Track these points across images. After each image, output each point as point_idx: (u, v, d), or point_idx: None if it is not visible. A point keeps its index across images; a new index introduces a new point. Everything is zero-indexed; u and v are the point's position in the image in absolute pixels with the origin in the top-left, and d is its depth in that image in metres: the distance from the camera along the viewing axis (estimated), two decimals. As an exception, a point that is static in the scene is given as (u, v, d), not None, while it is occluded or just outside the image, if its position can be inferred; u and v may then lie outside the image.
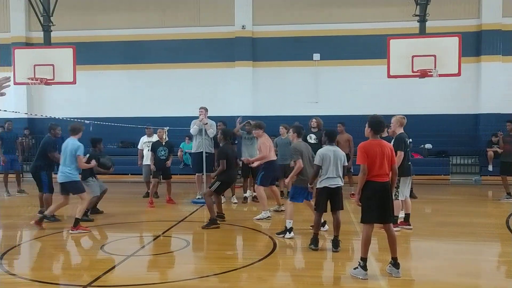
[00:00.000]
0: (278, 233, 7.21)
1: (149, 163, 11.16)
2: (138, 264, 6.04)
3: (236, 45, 17.05)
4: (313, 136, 11.00)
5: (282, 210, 9.33)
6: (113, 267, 5.73)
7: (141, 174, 11.63)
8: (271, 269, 5.76)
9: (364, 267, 5.16)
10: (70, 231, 7.65)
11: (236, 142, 11.08)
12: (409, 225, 7.70)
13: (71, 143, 8.03)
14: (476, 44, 16.15)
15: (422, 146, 15.93)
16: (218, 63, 17.20)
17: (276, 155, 10.91)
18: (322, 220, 7.09)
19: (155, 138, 11.51)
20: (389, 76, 11.64)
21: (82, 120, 11.16)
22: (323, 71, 16.84)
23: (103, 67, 17.58)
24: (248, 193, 10.88)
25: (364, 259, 5.19)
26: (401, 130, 7.71)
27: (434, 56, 11.13)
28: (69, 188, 7.92)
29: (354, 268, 5.26)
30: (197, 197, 10.88)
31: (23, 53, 12.70)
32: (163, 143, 10.60)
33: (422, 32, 12.52)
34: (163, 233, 7.68)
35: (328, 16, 16.79)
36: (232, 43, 17.12)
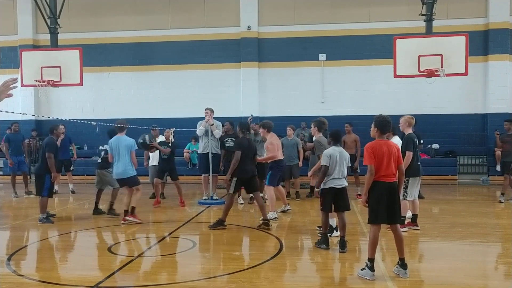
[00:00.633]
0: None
1: (156, 164, 11.20)
2: (145, 265, 6.05)
3: (242, 46, 17.06)
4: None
5: (288, 210, 9.32)
6: (120, 268, 5.74)
7: (148, 175, 11.65)
8: (279, 269, 5.74)
9: (372, 268, 5.13)
10: (126, 218, 8.30)
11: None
12: (417, 225, 7.65)
13: (124, 139, 8.49)
14: (483, 43, 16.04)
15: (430, 146, 15.84)
16: (224, 64, 17.22)
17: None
18: (334, 225, 7.10)
19: (160, 139, 11.54)
20: (395, 76, 11.60)
21: (89, 122, 11.24)
22: (329, 72, 16.81)
23: (109, 68, 17.67)
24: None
25: (371, 260, 5.16)
26: (410, 130, 7.68)
27: (441, 55, 11.08)
28: (128, 182, 8.52)
29: (362, 269, 5.23)
30: (203, 198, 10.89)
31: (30, 56, 12.80)
32: (169, 144, 10.60)
33: (429, 32, 12.47)
34: (170, 234, 7.68)
35: (333, 16, 16.75)
36: (238, 44, 17.14)
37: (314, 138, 9.62)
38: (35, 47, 17.28)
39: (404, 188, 7.38)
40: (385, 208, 5.13)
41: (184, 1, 17.49)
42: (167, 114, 16.82)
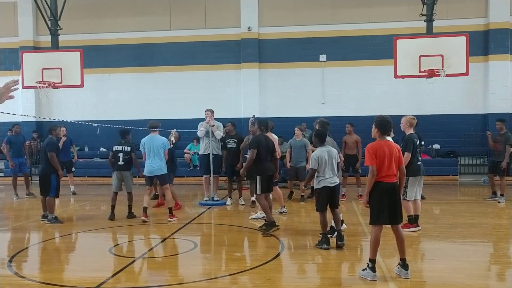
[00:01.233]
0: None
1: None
2: (146, 266, 6.06)
3: (243, 47, 17.07)
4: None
5: (284, 212, 9.27)
6: (122, 269, 5.74)
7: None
8: (280, 270, 5.75)
9: (373, 269, 5.13)
10: (168, 219, 8.68)
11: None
12: (418, 226, 7.66)
13: (157, 138, 8.96)
14: (484, 43, 16.03)
15: (430, 146, 15.83)
16: (224, 65, 17.22)
17: (290, 157, 10.94)
18: (330, 227, 7.11)
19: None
20: (396, 76, 11.59)
21: (90, 123, 11.25)
22: (330, 72, 16.80)
23: (110, 70, 17.67)
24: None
25: (372, 261, 5.16)
26: (411, 131, 7.70)
27: (442, 56, 11.07)
28: (160, 180, 9.05)
29: (363, 270, 5.23)
30: (204, 199, 10.89)
31: (31, 57, 12.81)
32: (171, 145, 10.60)
33: (429, 32, 12.45)
34: (171, 235, 7.69)
35: (334, 16, 16.75)
36: (238, 45, 17.14)
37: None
38: (36, 48, 17.29)
39: (404, 187, 7.41)
40: (386, 208, 5.13)
41: (184, 2, 17.50)
42: (168, 115, 16.79)
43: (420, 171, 7.65)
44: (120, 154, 9.06)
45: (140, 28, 17.49)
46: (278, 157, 8.56)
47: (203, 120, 10.71)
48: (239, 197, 10.77)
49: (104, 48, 17.64)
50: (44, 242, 7.54)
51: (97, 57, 17.19)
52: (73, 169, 13.07)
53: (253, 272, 5.58)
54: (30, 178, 13.08)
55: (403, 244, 5.20)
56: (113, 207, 9.03)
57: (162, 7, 17.53)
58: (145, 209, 8.83)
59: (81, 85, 12.52)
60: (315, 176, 6.63)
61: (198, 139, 12.76)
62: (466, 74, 11.31)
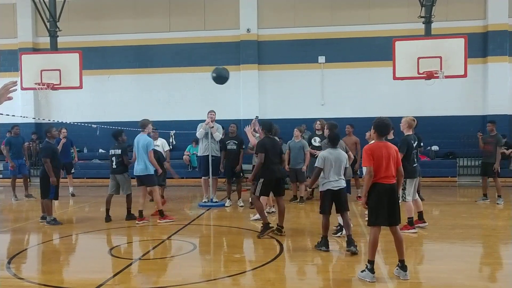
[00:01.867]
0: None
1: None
2: (145, 268, 6.05)
3: (242, 48, 17.09)
4: (317, 138, 10.98)
5: (273, 212, 9.25)
6: (121, 271, 5.74)
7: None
8: (279, 272, 5.74)
9: (372, 270, 5.14)
10: (136, 222, 8.63)
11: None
12: (424, 221, 7.85)
13: (142, 138, 8.82)
14: (482, 45, 16.07)
15: (429, 148, 15.85)
16: (224, 66, 17.20)
17: (289, 158, 10.93)
18: (338, 226, 7.20)
19: (159, 141, 11.55)
20: (395, 78, 11.62)
21: (89, 124, 11.25)
22: (329, 74, 16.83)
23: (109, 71, 17.68)
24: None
25: (371, 262, 5.16)
26: (410, 132, 7.71)
27: (440, 57, 11.10)
28: (144, 180, 8.83)
29: (362, 271, 5.23)
30: (203, 201, 10.89)
31: (30, 59, 12.81)
32: (170, 146, 10.64)
33: (428, 34, 12.49)
34: (170, 236, 7.68)
35: (333, 18, 16.78)
36: (237, 46, 17.16)
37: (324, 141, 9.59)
38: (35, 50, 17.30)
39: (402, 189, 7.47)
40: (385, 209, 5.14)
41: (183, 4, 17.52)
42: (167, 117, 16.83)
43: (416, 173, 7.69)
44: (114, 158, 9.06)
45: (140, 30, 17.51)
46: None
47: (202, 121, 10.72)
48: (238, 199, 10.77)
49: (103, 50, 17.65)
50: (44, 243, 7.53)
51: (96, 59, 17.21)
52: (73, 171, 13.06)
53: (252, 274, 5.58)
54: (29, 179, 13.07)
55: (401, 245, 5.20)
56: (107, 210, 9.03)
57: (161, 9, 17.55)
58: (140, 212, 8.79)
59: (80, 87, 12.53)
60: (320, 178, 6.59)
61: (197, 141, 12.77)
62: (465, 75, 11.34)
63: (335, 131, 7.02)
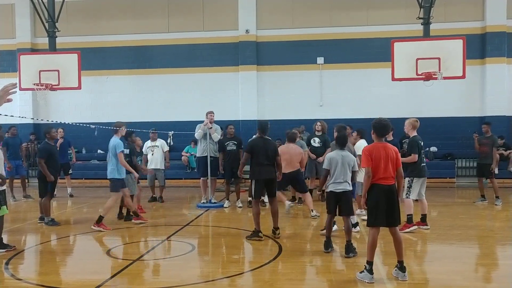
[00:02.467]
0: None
1: (154, 167, 11.27)
2: (144, 269, 6.04)
3: (240, 49, 17.08)
4: (317, 139, 10.99)
5: (317, 216, 9.09)
6: (119, 272, 5.73)
7: (146, 179, 11.63)
8: (278, 273, 5.74)
9: (370, 271, 5.14)
10: (92, 226, 8.22)
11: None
12: (427, 225, 7.87)
13: (112, 141, 8.53)
14: (480, 46, 16.09)
15: (428, 149, 15.86)
16: (222, 67, 17.23)
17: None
18: (355, 220, 7.23)
19: (159, 142, 11.56)
20: (393, 79, 11.63)
21: (88, 125, 11.24)
22: (327, 75, 16.82)
23: (108, 72, 17.65)
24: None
25: (370, 263, 5.16)
26: (415, 133, 7.86)
27: (439, 58, 11.11)
28: (110, 183, 8.47)
29: (360, 272, 5.23)
30: (202, 202, 10.89)
31: (28, 59, 12.79)
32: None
33: (426, 35, 12.50)
34: (169, 237, 7.68)
35: (331, 19, 16.79)
36: (236, 47, 17.14)
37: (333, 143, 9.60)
38: (33, 50, 17.25)
39: (408, 187, 7.62)
40: (384, 211, 5.14)
41: (182, 5, 17.51)
42: (166, 118, 16.81)
43: (424, 172, 7.80)
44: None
45: (138, 31, 17.49)
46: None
47: (200, 122, 10.72)
48: (237, 200, 10.77)
49: (102, 50, 17.62)
50: (42, 244, 7.52)
51: (95, 59, 17.17)
52: (71, 171, 13.02)
53: (251, 275, 5.58)
54: (27, 180, 13.04)
55: (400, 246, 5.20)
56: (120, 207, 9.24)
57: (160, 10, 17.53)
58: (135, 213, 8.81)
59: (79, 87, 12.51)
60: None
61: (196, 141, 12.77)
62: (463, 77, 11.36)
63: (343, 132, 7.00)
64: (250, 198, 10.41)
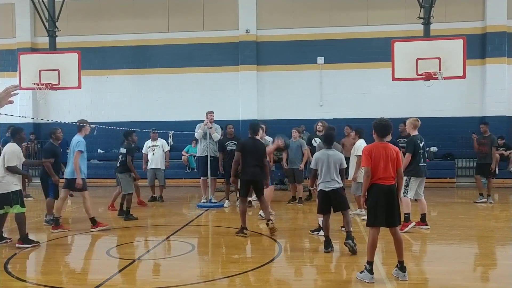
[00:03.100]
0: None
1: (154, 167, 11.28)
2: (144, 268, 6.05)
3: (241, 49, 17.07)
4: (318, 139, 10.98)
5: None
6: (119, 271, 5.74)
7: (146, 179, 11.63)
8: (278, 272, 5.74)
9: (370, 271, 5.13)
10: (91, 229, 8.09)
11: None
12: (427, 224, 7.86)
13: (74, 139, 8.56)
14: (481, 46, 16.08)
15: (428, 149, 15.83)
16: (222, 67, 17.23)
17: (287, 157, 10.94)
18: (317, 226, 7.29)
19: (159, 142, 11.57)
20: (393, 79, 11.62)
21: (88, 125, 11.19)
22: (327, 75, 16.82)
23: (108, 72, 17.64)
24: (253, 197, 10.82)
25: (370, 263, 5.16)
26: (415, 132, 7.91)
27: (439, 58, 11.10)
28: (72, 183, 8.39)
29: (360, 272, 5.23)
30: (202, 201, 10.89)
31: (28, 59, 12.79)
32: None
33: (427, 35, 12.49)
34: (169, 237, 7.68)
35: (331, 19, 16.78)
36: (236, 47, 17.14)
37: (320, 142, 9.70)
38: (34, 50, 17.24)
39: (405, 185, 7.62)
40: (383, 211, 5.14)
41: (182, 5, 17.50)
42: (166, 117, 16.81)
43: (421, 173, 7.78)
44: (120, 156, 9.22)
45: (138, 30, 17.49)
46: (271, 162, 8.58)
47: (201, 122, 10.72)
48: (237, 199, 10.76)
49: (102, 50, 17.61)
50: (42, 243, 7.51)
51: (95, 59, 17.17)
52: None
53: (251, 274, 5.58)
54: (26, 180, 12.99)
55: (401, 246, 5.20)
56: (120, 204, 9.40)
57: (160, 9, 17.53)
58: (57, 220, 8.31)
59: (79, 87, 12.51)
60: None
61: (197, 141, 12.77)
62: (463, 77, 11.35)
63: (330, 132, 7.11)
64: (249, 198, 10.45)
